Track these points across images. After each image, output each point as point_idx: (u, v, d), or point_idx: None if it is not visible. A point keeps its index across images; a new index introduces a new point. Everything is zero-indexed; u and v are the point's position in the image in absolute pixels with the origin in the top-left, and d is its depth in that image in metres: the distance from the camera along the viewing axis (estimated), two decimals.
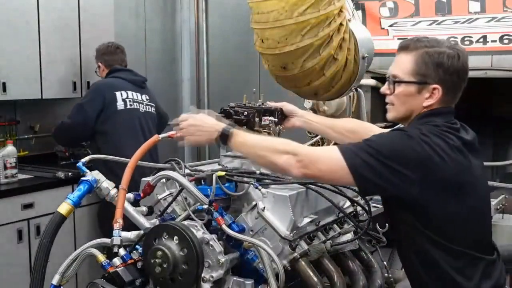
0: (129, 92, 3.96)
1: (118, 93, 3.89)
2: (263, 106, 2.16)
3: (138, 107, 3.99)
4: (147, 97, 4.10)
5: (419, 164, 1.57)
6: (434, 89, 1.70)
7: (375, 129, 2.10)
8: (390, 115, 1.81)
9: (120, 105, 3.87)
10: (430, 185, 1.59)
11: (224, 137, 1.79)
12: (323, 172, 1.64)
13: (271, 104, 2.21)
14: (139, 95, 4.02)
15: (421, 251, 1.68)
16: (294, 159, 1.64)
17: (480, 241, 1.73)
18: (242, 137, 1.78)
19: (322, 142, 3.76)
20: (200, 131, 1.85)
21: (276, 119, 2.15)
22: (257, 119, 2.07)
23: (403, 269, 3.05)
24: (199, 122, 1.86)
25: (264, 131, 2.10)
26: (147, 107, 4.07)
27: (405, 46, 1.76)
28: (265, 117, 2.12)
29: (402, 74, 1.73)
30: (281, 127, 2.19)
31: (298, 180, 1.85)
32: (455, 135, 1.67)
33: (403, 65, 1.73)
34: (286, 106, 2.24)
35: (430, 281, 1.69)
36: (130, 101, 3.94)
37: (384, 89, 1.80)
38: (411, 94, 1.72)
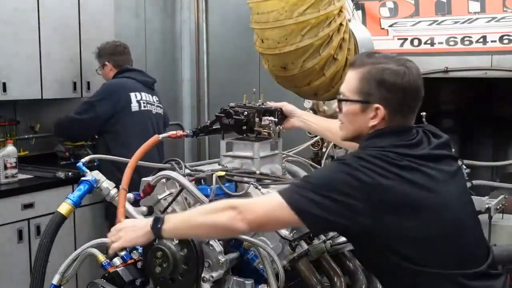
0: (143, 94, 3.94)
1: (132, 94, 3.87)
2: (263, 106, 2.16)
3: (150, 108, 3.98)
4: (157, 99, 4.09)
5: (363, 191, 1.47)
6: (376, 108, 1.60)
7: None
8: (340, 134, 1.74)
9: (134, 106, 3.85)
10: (381, 209, 1.48)
11: (156, 228, 1.61)
12: (266, 218, 1.55)
13: (271, 104, 2.21)
14: (150, 96, 4.01)
15: (390, 274, 1.58)
16: (234, 212, 1.53)
17: (462, 256, 1.58)
18: (172, 218, 1.63)
19: (322, 142, 3.76)
20: (132, 229, 1.68)
21: (276, 119, 2.15)
22: (257, 119, 2.07)
23: None
24: (128, 225, 1.71)
25: (265, 131, 2.10)
26: (158, 108, 4.06)
27: (353, 62, 1.68)
28: (265, 117, 2.13)
29: (347, 92, 1.66)
30: (281, 127, 2.19)
31: (298, 180, 1.84)
32: (404, 154, 1.55)
33: (348, 83, 1.66)
34: (286, 106, 2.24)
35: None
36: (144, 102, 3.93)
37: (335, 107, 1.75)
38: (356, 113, 1.64)
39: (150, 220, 1.63)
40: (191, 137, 2.21)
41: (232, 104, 2.12)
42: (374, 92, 1.59)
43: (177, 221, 1.62)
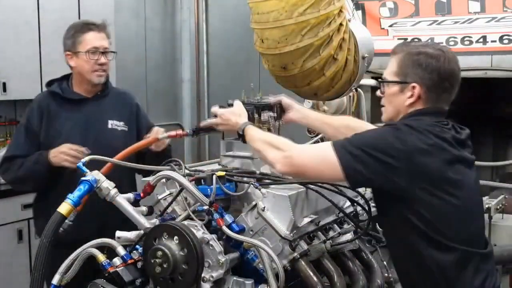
0: None
1: None
2: (262, 102, 2.15)
3: None
4: None
5: (405, 154, 1.63)
6: (413, 87, 1.76)
7: (370, 127, 2.13)
8: (383, 117, 1.91)
9: None
10: (416, 176, 1.63)
11: (240, 136, 1.96)
12: (312, 166, 1.74)
13: (270, 98, 2.21)
14: None
15: (410, 246, 1.70)
16: (281, 154, 1.76)
17: (472, 235, 1.74)
18: (250, 133, 1.92)
19: (322, 142, 3.75)
20: (227, 127, 2.04)
21: (275, 114, 2.15)
22: (256, 115, 2.07)
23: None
24: (225, 120, 2.02)
25: (264, 126, 2.10)
26: None
27: (393, 50, 1.86)
28: (265, 113, 2.12)
29: (388, 76, 1.84)
30: (281, 122, 2.19)
31: (298, 180, 1.85)
32: (444, 131, 1.71)
33: (389, 68, 1.85)
34: (284, 99, 2.25)
35: (419, 278, 1.70)
36: None
37: (378, 92, 1.91)
38: (395, 94, 1.81)
39: (245, 119, 1.99)
40: (191, 136, 2.20)
41: (230, 101, 2.12)
42: (410, 72, 1.77)
43: (252, 134, 1.91)
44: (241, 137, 1.95)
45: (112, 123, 2.72)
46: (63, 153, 2.45)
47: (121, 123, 2.74)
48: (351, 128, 2.09)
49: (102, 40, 2.69)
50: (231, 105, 2.11)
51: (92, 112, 2.69)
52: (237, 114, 2.01)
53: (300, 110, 2.25)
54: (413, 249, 1.69)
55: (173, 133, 2.19)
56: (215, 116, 2.06)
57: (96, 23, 2.71)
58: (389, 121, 1.86)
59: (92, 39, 2.67)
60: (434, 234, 1.66)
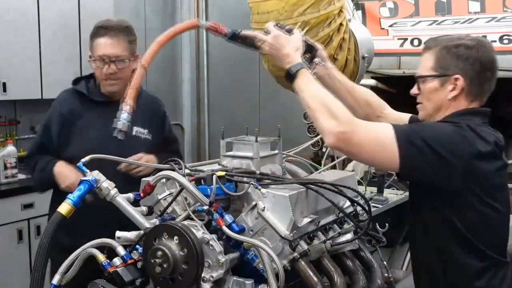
0: None
1: None
2: (307, 41, 1.99)
3: None
4: None
5: (468, 156, 1.59)
6: (456, 79, 1.71)
7: (388, 108, 2.09)
8: (420, 115, 1.84)
9: None
10: (471, 179, 1.59)
11: (289, 75, 1.76)
12: (364, 149, 1.63)
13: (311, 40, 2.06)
14: None
15: (443, 247, 1.67)
16: (339, 128, 1.60)
17: (503, 244, 1.73)
18: (304, 81, 1.74)
19: (322, 142, 3.75)
20: (276, 52, 1.83)
21: (319, 59, 2.04)
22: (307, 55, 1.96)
23: (403, 269, 3.06)
24: (277, 44, 1.82)
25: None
26: None
27: (427, 46, 1.79)
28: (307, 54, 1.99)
29: (425, 72, 1.77)
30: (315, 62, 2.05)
31: (298, 180, 1.85)
32: (494, 136, 1.69)
33: (425, 64, 1.77)
34: (321, 51, 2.09)
35: (443, 279, 1.68)
36: None
37: (413, 90, 1.82)
38: (436, 89, 1.75)
39: (299, 57, 1.77)
40: (227, 38, 1.99)
41: (289, 27, 1.93)
42: (451, 64, 1.71)
43: (307, 84, 1.71)
44: (290, 77, 1.76)
45: (136, 130, 2.56)
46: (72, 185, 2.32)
47: (146, 131, 2.60)
48: (371, 106, 2.03)
49: (112, 48, 2.50)
50: (289, 31, 1.93)
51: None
52: (294, 46, 1.80)
53: (330, 69, 2.09)
54: (447, 250, 1.66)
55: (214, 25, 2.00)
56: (266, 33, 1.85)
57: (110, 25, 2.53)
58: (428, 118, 1.80)
59: (101, 45, 2.49)
60: (474, 240, 1.63)
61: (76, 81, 2.64)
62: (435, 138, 1.59)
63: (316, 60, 2.06)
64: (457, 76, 1.71)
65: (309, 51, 2.03)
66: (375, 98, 2.14)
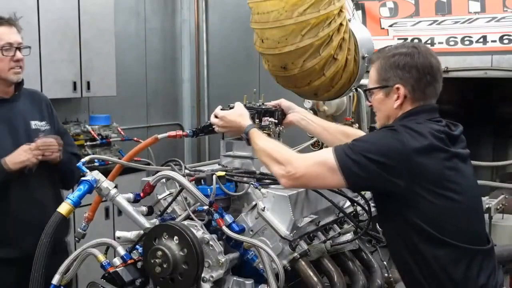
0: None
1: None
2: (263, 107, 2.15)
3: None
4: None
5: (404, 155, 1.63)
6: (397, 89, 1.77)
7: (363, 133, 2.19)
8: (377, 125, 1.92)
9: None
10: (416, 176, 1.64)
11: (246, 140, 1.95)
12: (311, 178, 1.73)
13: (270, 104, 2.21)
14: None
15: (412, 247, 1.70)
16: (284, 170, 1.74)
17: (475, 232, 1.75)
18: (255, 139, 1.90)
19: (322, 142, 3.75)
20: (230, 129, 2.04)
21: (276, 120, 2.15)
22: (257, 120, 2.07)
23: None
24: (228, 122, 2.01)
25: (264, 132, 2.10)
26: None
27: (371, 59, 1.90)
28: (265, 118, 2.12)
29: (371, 84, 1.86)
30: (281, 128, 2.19)
31: None
32: (439, 129, 1.72)
33: (371, 77, 1.86)
34: (283, 102, 2.24)
35: (424, 278, 1.70)
36: None
37: (366, 102, 1.91)
38: (382, 100, 1.82)
39: (248, 122, 1.97)
40: (191, 137, 2.21)
41: (231, 105, 2.12)
42: (391, 75, 1.78)
43: (256, 141, 1.89)
44: (247, 141, 1.95)
45: (35, 124, 2.52)
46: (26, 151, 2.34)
47: (43, 123, 2.55)
48: (348, 134, 2.10)
49: (15, 35, 2.46)
50: (232, 108, 2.11)
51: (14, 114, 2.47)
52: (238, 115, 2.00)
53: (300, 112, 2.23)
54: (417, 249, 1.69)
55: (173, 133, 2.19)
56: (216, 117, 2.05)
57: (4, 17, 2.49)
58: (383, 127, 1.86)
59: (4, 34, 2.43)
60: (437, 233, 1.66)
61: None
62: (369, 147, 1.66)
63: (285, 111, 2.22)
64: (398, 85, 1.77)
65: (271, 115, 2.15)
66: (349, 128, 2.30)
